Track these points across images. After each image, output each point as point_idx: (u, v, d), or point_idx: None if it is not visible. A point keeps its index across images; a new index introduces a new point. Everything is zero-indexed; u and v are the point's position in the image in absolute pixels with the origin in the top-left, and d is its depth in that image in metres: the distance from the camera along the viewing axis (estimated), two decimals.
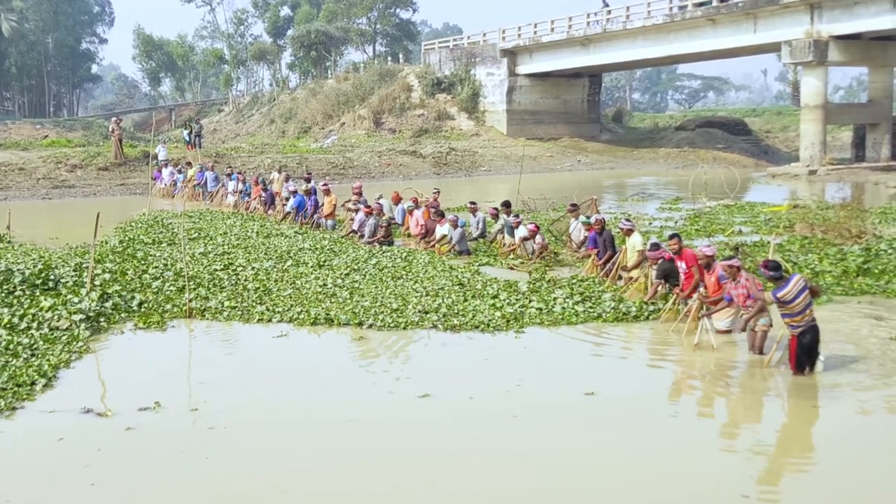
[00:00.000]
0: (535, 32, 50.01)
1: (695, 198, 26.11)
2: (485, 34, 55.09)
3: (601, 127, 56.14)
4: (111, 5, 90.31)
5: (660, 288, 11.88)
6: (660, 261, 11.83)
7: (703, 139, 49.84)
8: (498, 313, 11.63)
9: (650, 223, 21.06)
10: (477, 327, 11.13)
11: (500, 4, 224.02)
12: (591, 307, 11.92)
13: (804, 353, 8.88)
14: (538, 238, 16.10)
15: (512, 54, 51.70)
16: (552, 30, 48.79)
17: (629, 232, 13.43)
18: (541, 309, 11.90)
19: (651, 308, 11.68)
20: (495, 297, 12.56)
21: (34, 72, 79.24)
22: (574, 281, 13.57)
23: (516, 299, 12.37)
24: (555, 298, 12.35)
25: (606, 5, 47.09)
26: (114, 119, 37.19)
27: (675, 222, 21.24)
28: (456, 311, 11.79)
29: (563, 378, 9.29)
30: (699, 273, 10.89)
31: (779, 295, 8.74)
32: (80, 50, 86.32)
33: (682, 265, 11.33)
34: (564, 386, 8.96)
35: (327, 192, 21.39)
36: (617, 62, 48.79)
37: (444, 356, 10.23)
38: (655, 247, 12.26)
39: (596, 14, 46.60)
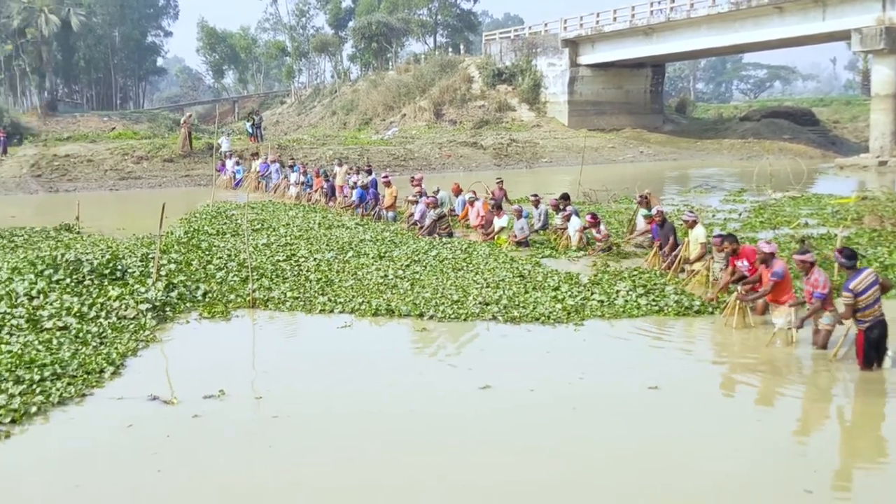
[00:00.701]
0: (598, 22, 49.53)
1: (759, 189, 25.66)
2: (546, 24, 54.71)
3: (664, 118, 55.43)
4: None
5: (726, 278, 11.59)
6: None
7: (768, 130, 48.88)
8: (559, 305, 11.56)
9: (713, 215, 20.72)
10: (537, 319, 11.06)
11: None
12: (654, 300, 11.77)
13: (872, 348, 8.66)
14: (602, 228, 15.98)
15: (574, 44, 51.29)
16: (615, 19, 48.29)
17: (692, 224, 13.21)
18: (602, 301, 11.79)
19: (714, 303, 11.48)
20: (556, 288, 12.48)
21: (101, 65, 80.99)
22: (636, 273, 13.41)
23: (578, 291, 12.28)
24: (617, 291, 12.22)
25: None
26: (188, 114, 37.68)
27: (739, 214, 20.87)
28: (517, 302, 11.74)
29: (626, 371, 9.17)
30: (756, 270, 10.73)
31: (851, 286, 8.53)
32: (146, 43, 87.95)
33: (744, 263, 11.10)
34: (627, 379, 8.83)
35: (388, 184, 21.48)
36: (681, 52, 48.03)
37: (504, 348, 10.17)
38: (720, 237, 12.02)
39: (659, 2, 45.96)
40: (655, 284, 12.59)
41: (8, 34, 60.23)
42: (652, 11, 45.96)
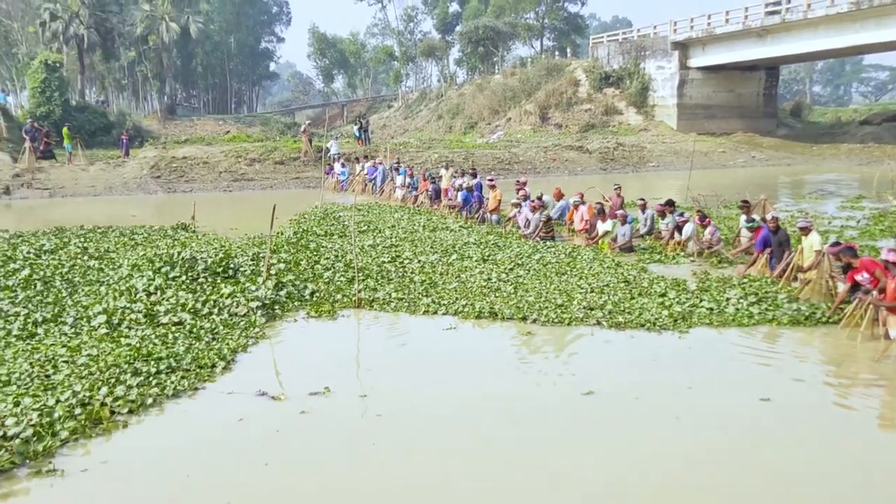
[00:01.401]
0: (709, 24, 48.38)
1: (880, 196, 24.66)
2: (655, 27, 53.82)
3: (778, 121, 53.78)
4: (289, 6, 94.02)
5: (843, 292, 11.20)
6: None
7: (890, 134, 46.89)
8: (665, 312, 11.38)
9: (829, 222, 20.03)
10: (643, 325, 10.91)
11: None
12: (766, 309, 11.45)
13: None
14: (711, 230, 15.70)
15: (683, 47, 50.30)
16: (727, 21, 47.06)
17: (806, 231, 12.83)
18: (712, 309, 11.54)
19: (831, 313, 11.09)
20: (663, 295, 12.29)
21: (218, 70, 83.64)
22: (746, 281, 13.08)
23: (686, 298, 12.06)
24: (727, 299, 11.94)
25: None
26: (307, 121, 38.28)
27: (857, 222, 20.10)
28: (622, 308, 11.61)
29: (736, 381, 8.91)
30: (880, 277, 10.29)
31: None
32: (260, 49, 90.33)
33: (864, 276, 10.67)
34: (737, 390, 8.59)
35: (492, 187, 21.52)
36: (796, 54, 46.33)
37: (609, 353, 10.05)
38: (836, 245, 11.63)
39: (775, 4, 44.63)
40: (767, 293, 12.26)
41: (132, 42, 62.71)
42: (766, 13, 44.66)
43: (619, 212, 17.48)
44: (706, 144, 46.10)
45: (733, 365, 9.54)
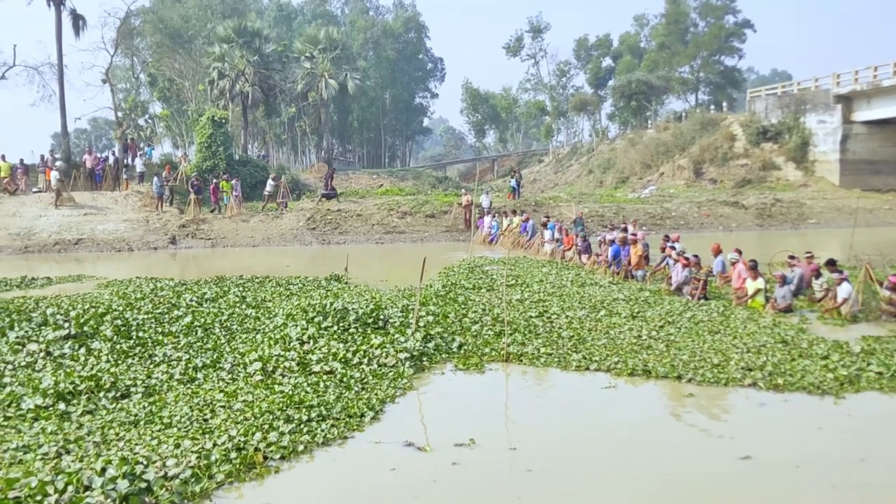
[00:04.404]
0: (875, 76, 46.33)
1: None
2: (817, 79, 52.01)
3: None
4: (443, 62, 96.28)
5: None
6: None
7: None
8: (830, 375, 10.78)
9: None
10: (805, 388, 10.37)
11: (832, 48, 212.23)
12: None
13: None
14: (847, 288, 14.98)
15: (847, 100, 48.36)
16: (895, 73, 45.00)
17: None
18: (881, 373, 10.87)
19: None
20: (826, 357, 11.68)
21: (373, 125, 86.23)
22: None
23: (851, 361, 11.41)
24: None
25: None
26: (465, 194, 38.01)
27: None
28: (782, 369, 11.08)
29: None
30: None
31: None
32: (414, 104, 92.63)
33: None
34: None
35: (634, 243, 21.11)
36: None
37: (769, 417, 9.55)
38: None
39: None
40: None
41: (292, 98, 65.53)
42: None
43: (777, 273, 16.78)
44: (871, 201, 43.95)
45: None
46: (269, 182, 40.80)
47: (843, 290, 15.33)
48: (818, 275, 16.80)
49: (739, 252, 18.46)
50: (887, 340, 12.84)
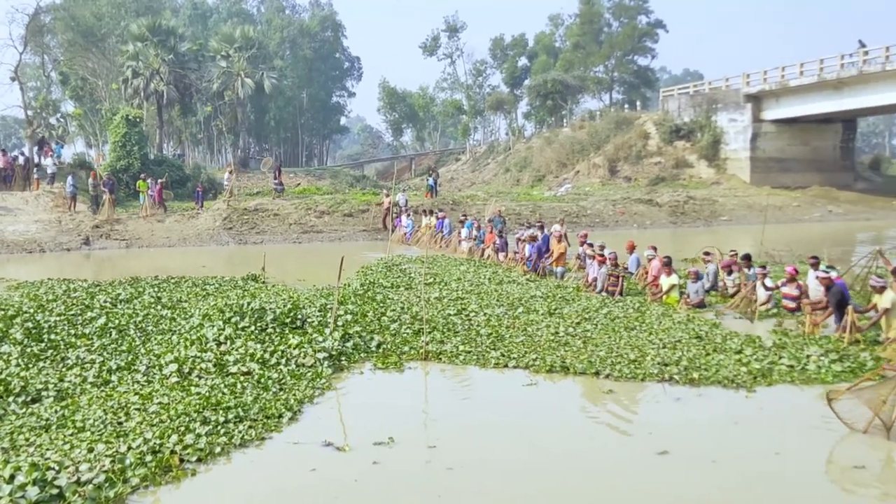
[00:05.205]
0: (783, 76, 47.81)
1: None
2: (727, 79, 53.43)
3: (856, 175, 52.56)
4: (360, 61, 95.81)
5: None
6: None
7: None
8: (744, 369, 11.08)
9: None
10: (720, 382, 10.62)
11: (743, 49, 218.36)
12: (849, 367, 11.08)
13: None
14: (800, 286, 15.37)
15: (756, 99, 49.80)
16: (801, 73, 46.43)
17: (881, 290, 12.48)
18: (792, 366, 11.22)
19: None
20: (739, 351, 12.00)
21: (290, 124, 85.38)
22: (823, 338, 12.73)
23: (763, 355, 11.75)
24: (808, 356, 11.60)
25: (863, 46, 44.12)
26: (387, 194, 37.94)
27: None
28: (697, 364, 11.35)
29: (825, 444, 8.49)
30: None
31: None
32: (331, 103, 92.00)
33: None
34: (825, 454, 8.26)
35: (559, 240, 21.38)
36: (875, 106, 45.37)
37: (685, 412, 9.75)
38: None
39: (851, 55, 43.95)
40: (848, 350, 11.89)
41: (208, 97, 64.49)
42: (842, 64, 43.93)
43: (691, 269, 17.16)
44: (780, 198, 45.35)
45: (819, 426, 9.00)
46: (226, 175, 41.10)
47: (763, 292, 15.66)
48: (731, 271, 17.23)
49: (654, 248, 18.86)
50: (797, 334, 13.23)
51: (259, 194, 43.79)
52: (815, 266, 15.30)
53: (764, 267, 16.62)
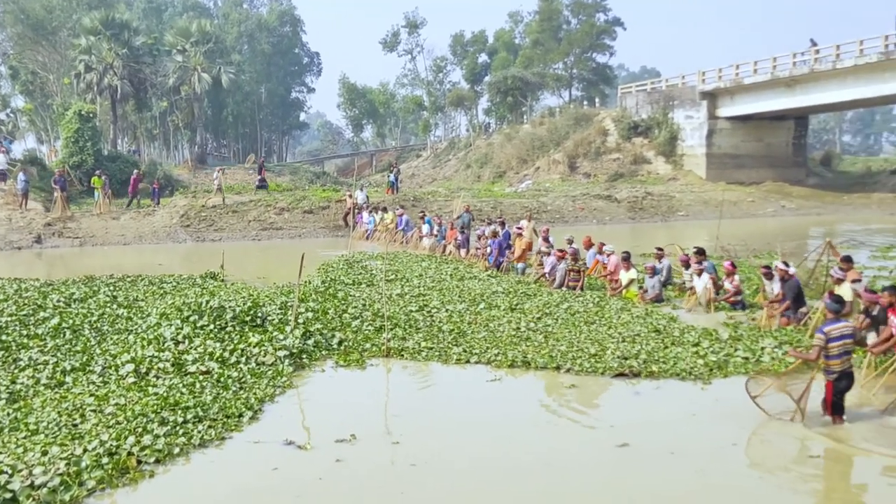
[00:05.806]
0: (737, 74, 48.40)
1: None
2: (683, 77, 53.92)
3: (808, 171, 53.41)
4: (319, 57, 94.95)
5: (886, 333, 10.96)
6: (876, 306, 11.02)
7: None
8: (701, 361, 11.20)
9: (861, 272, 19.71)
10: (678, 375, 10.73)
11: (699, 47, 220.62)
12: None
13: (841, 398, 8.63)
14: (735, 279, 15.59)
15: (712, 97, 50.34)
16: (755, 71, 47.03)
17: (839, 281, 12.70)
18: (747, 358, 11.35)
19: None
20: (696, 344, 12.14)
21: (248, 120, 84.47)
22: (779, 330, 12.94)
23: (720, 347, 11.88)
24: (762, 348, 11.76)
25: (814, 44, 44.76)
26: (349, 194, 37.84)
27: (891, 272, 19.80)
28: (656, 357, 11.44)
29: (784, 435, 8.63)
30: None
31: (825, 330, 8.61)
32: (290, 99, 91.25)
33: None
34: (787, 445, 8.36)
35: (520, 236, 21.44)
36: (825, 103, 46.18)
37: (644, 404, 9.85)
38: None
39: (803, 54, 44.60)
40: (801, 341, 12.07)
41: (164, 92, 63.60)
42: (795, 63, 44.55)
43: (648, 264, 17.30)
44: (735, 194, 45.87)
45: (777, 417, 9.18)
46: (216, 173, 40.92)
47: (703, 280, 15.83)
48: (687, 265, 17.38)
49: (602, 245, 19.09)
50: (750, 327, 13.41)
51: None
52: (769, 277, 15.39)
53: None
